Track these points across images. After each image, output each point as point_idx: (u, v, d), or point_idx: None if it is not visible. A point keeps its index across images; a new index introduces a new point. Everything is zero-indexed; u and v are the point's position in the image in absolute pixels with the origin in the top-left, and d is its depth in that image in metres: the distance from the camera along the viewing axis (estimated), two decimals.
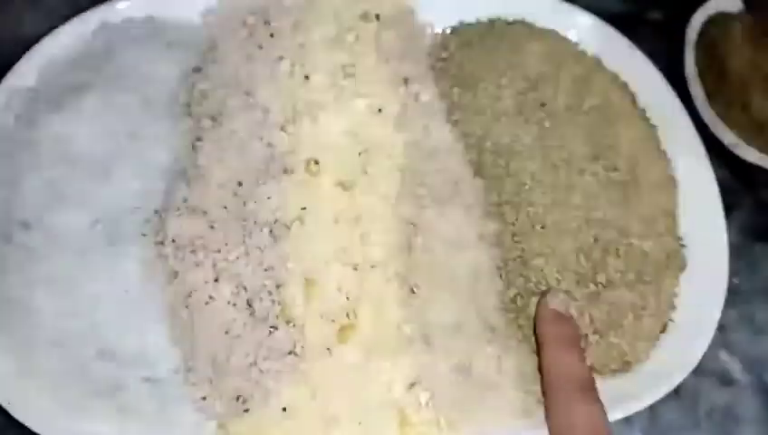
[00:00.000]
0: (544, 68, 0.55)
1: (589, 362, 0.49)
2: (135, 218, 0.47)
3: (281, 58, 0.54)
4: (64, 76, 0.52)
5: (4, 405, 0.43)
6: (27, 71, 0.53)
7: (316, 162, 0.49)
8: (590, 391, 0.44)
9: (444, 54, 0.58)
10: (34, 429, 0.43)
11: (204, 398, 0.44)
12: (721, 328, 0.55)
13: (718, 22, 0.57)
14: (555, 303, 0.47)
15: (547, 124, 0.53)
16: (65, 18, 0.57)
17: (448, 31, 0.60)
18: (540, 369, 0.47)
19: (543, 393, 0.45)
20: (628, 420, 0.53)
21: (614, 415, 0.47)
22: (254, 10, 0.56)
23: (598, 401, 0.43)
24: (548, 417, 0.44)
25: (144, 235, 0.47)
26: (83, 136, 0.49)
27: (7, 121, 0.50)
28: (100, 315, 0.45)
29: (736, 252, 0.57)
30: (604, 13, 0.61)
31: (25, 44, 0.58)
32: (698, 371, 0.53)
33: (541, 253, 0.50)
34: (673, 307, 0.52)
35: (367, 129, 0.51)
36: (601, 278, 0.49)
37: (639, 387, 0.49)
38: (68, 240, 0.46)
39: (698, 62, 0.57)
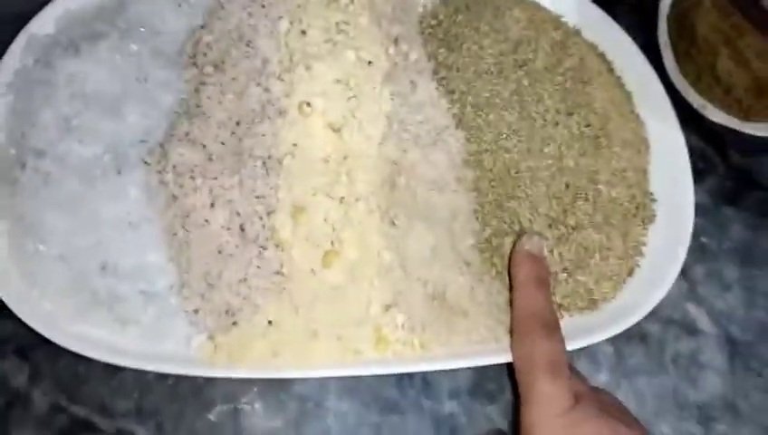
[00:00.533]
0: (525, 32, 0.60)
1: (558, 300, 0.52)
2: (140, 150, 0.51)
3: (280, 17, 0.58)
4: (80, 26, 0.57)
5: (15, 311, 0.47)
6: (46, 21, 0.57)
7: (308, 104, 0.53)
8: (554, 328, 0.47)
9: (433, 21, 0.62)
10: (38, 329, 0.46)
11: (196, 311, 0.48)
12: (690, 283, 0.58)
13: None
14: (530, 244, 0.51)
15: (525, 82, 0.57)
16: None
17: (439, 1, 0.65)
18: (511, 304, 0.50)
19: (512, 327, 0.49)
20: (595, 361, 0.56)
21: (577, 344, 0.50)
22: None
23: (560, 339, 0.46)
24: (513, 348, 0.48)
25: (147, 163, 0.50)
26: (96, 77, 0.53)
27: (27, 63, 0.55)
28: (104, 234, 0.49)
29: (706, 214, 0.61)
30: None
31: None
32: (666, 320, 0.57)
33: (514, 196, 0.53)
34: (640, 254, 0.55)
35: (356, 79, 0.55)
36: (571, 221, 0.53)
37: (603, 323, 0.52)
38: (78, 167, 0.50)
39: (670, 32, 0.61)
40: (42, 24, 0.57)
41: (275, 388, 0.52)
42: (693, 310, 0.59)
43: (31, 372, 0.50)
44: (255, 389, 0.51)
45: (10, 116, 0.53)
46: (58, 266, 0.48)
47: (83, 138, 0.51)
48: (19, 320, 0.47)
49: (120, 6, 0.58)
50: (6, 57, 0.55)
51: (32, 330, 0.47)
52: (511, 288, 0.50)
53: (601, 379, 0.55)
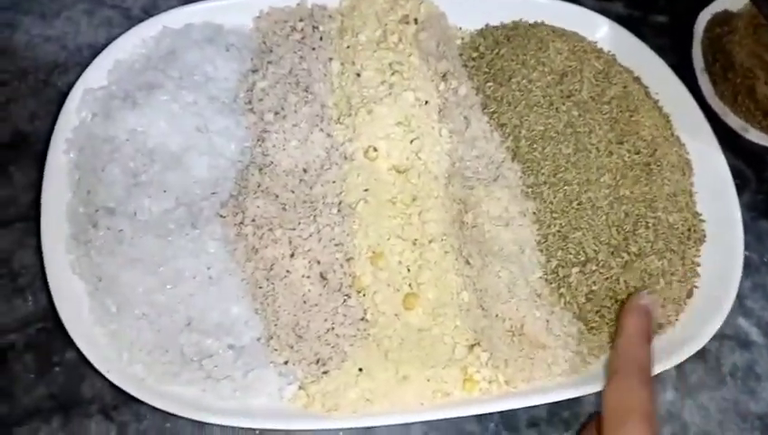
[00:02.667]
0: (569, 63, 0.61)
1: None
2: (212, 202, 0.51)
3: (330, 59, 0.59)
4: (133, 76, 0.57)
5: (104, 373, 0.46)
6: (98, 72, 0.57)
7: (375, 149, 0.54)
8: (650, 382, 0.48)
9: (474, 54, 0.64)
10: (131, 393, 0.46)
11: (285, 362, 0.48)
12: (738, 297, 0.60)
13: (722, 19, 0.64)
14: (646, 299, 0.52)
15: (575, 113, 0.59)
16: (119, 27, 0.63)
17: (475, 33, 0.66)
18: (613, 348, 0.51)
19: (610, 370, 0.49)
20: (660, 381, 0.58)
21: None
22: (303, 16, 0.61)
23: (653, 392, 0.47)
24: (607, 391, 0.48)
25: (222, 216, 0.50)
26: (157, 129, 0.53)
27: (85, 118, 0.54)
28: (186, 290, 0.49)
29: (746, 228, 0.63)
30: (610, 16, 0.68)
31: (90, 51, 0.63)
32: (720, 336, 0.59)
33: (578, 227, 0.55)
34: (696, 275, 0.57)
35: (417, 120, 0.56)
36: (633, 248, 0.55)
37: (670, 348, 0.54)
38: (151, 223, 0.50)
39: (705, 56, 0.63)
40: (94, 77, 0.56)
41: (361, 431, 0.52)
42: (744, 323, 0.61)
43: (118, 434, 0.50)
44: (341, 433, 0.52)
45: (74, 173, 0.53)
46: (142, 326, 0.48)
47: (152, 193, 0.51)
48: (101, 379, 0.47)
49: (169, 54, 0.58)
50: (64, 112, 0.54)
51: (115, 389, 0.47)
52: (615, 336, 0.51)
53: (668, 397, 0.57)
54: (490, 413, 0.53)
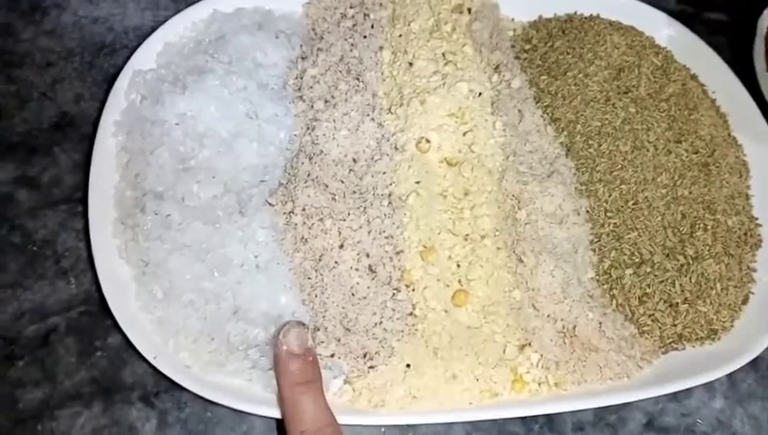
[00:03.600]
0: (626, 58, 0.59)
1: (679, 330, 0.52)
2: (261, 190, 0.50)
3: (381, 48, 0.58)
4: (183, 60, 0.56)
5: (150, 360, 0.46)
6: (146, 55, 0.56)
7: (427, 140, 0.52)
8: None
9: (527, 46, 0.62)
10: (178, 381, 0.45)
11: (332, 355, 0.47)
12: None
13: None
14: None
15: (632, 110, 0.57)
16: (166, 10, 0.62)
17: (528, 25, 0.64)
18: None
19: None
20: (710, 389, 0.56)
21: (701, 380, 0.50)
22: (353, 3, 0.60)
23: None
24: None
25: (271, 204, 0.49)
26: (207, 114, 0.52)
27: (135, 100, 0.53)
28: (233, 278, 0.48)
29: None
30: (663, 11, 0.66)
31: (136, 33, 0.62)
32: None
33: (633, 227, 0.53)
34: (752, 281, 0.55)
35: (470, 112, 0.54)
36: (690, 251, 0.53)
37: (724, 355, 0.52)
38: (200, 209, 0.49)
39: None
40: (143, 59, 0.56)
41: (404, 429, 0.51)
42: None
43: (158, 421, 0.49)
44: (383, 429, 0.51)
45: (122, 156, 0.52)
46: (189, 313, 0.47)
47: (201, 178, 0.50)
48: (142, 365, 0.47)
49: (219, 39, 0.57)
50: (113, 94, 0.54)
51: (156, 375, 0.46)
52: None
53: (717, 405, 0.55)
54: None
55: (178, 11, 0.60)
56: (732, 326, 0.54)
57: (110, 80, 0.57)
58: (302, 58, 0.57)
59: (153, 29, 0.59)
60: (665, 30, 0.64)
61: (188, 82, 0.53)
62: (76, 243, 0.54)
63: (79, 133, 0.57)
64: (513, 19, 0.65)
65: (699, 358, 0.52)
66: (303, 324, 0.45)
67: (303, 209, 0.48)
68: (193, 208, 0.49)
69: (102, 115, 0.53)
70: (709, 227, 0.54)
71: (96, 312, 0.51)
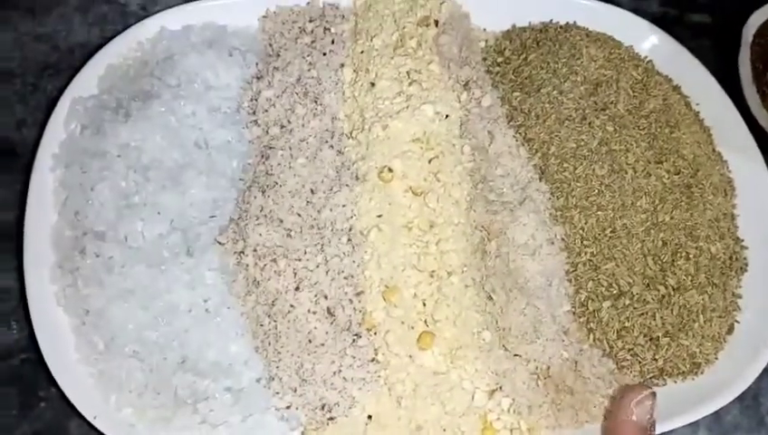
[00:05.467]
0: (604, 72, 0.56)
1: (660, 364, 0.49)
2: (210, 227, 0.47)
3: (342, 65, 0.54)
4: (126, 84, 0.52)
5: (90, 419, 0.43)
6: (88, 79, 0.52)
7: (390, 169, 0.49)
8: None
9: (499, 59, 0.58)
10: None
11: (288, 407, 0.44)
12: None
13: None
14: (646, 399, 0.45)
15: (610, 128, 0.53)
16: (113, 24, 0.58)
17: (501, 35, 0.61)
18: None
19: None
20: (693, 423, 0.53)
21: (685, 420, 0.47)
22: (313, 16, 0.56)
23: None
24: None
25: (221, 243, 0.46)
26: (152, 144, 0.49)
27: (74, 131, 0.50)
28: (180, 326, 0.45)
29: None
30: (644, 14, 0.62)
31: (82, 51, 0.58)
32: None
33: (611, 257, 0.50)
34: (737, 308, 0.52)
35: (436, 136, 0.51)
36: (672, 281, 0.50)
37: (708, 391, 0.49)
38: (144, 250, 0.46)
39: (754, 64, 0.58)
40: (83, 84, 0.52)
41: None
42: None
43: None
44: None
45: (61, 192, 0.48)
46: (133, 365, 0.44)
47: (146, 215, 0.47)
48: (89, 425, 0.43)
49: (167, 59, 0.53)
50: (50, 124, 0.50)
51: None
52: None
53: None
54: None
55: (127, 26, 0.56)
56: (716, 359, 0.51)
57: (54, 104, 0.53)
58: (258, 78, 0.53)
59: (101, 47, 0.55)
60: (646, 37, 0.61)
61: (132, 110, 0.50)
62: (16, 284, 0.50)
63: (19, 164, 0.53)
64: (484, 29, 0.61)
65: (682, 394, 0.49)
66: (654, 394, 0.43)
67: (255, 250, 0.45)
68: (136, 250, 0.46)
69: (39, 147, 0.49)
70: (692, 256, 0.50)
71: (38, 359, 0.48)
